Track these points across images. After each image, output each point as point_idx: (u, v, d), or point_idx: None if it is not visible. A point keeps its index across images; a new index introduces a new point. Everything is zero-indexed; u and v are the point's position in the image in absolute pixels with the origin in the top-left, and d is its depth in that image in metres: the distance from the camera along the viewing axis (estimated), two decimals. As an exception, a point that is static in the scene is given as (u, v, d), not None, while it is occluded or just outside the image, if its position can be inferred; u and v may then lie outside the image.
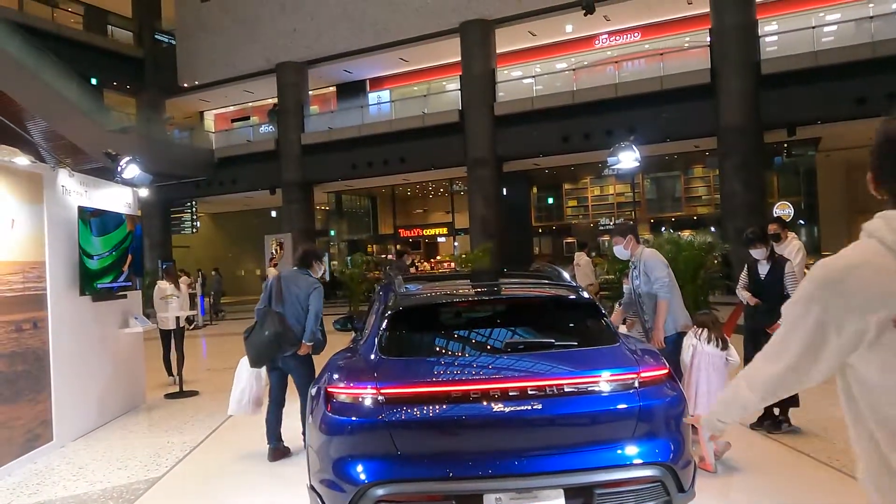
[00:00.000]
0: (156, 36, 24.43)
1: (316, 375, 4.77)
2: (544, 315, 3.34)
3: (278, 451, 4.74)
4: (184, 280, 9.46)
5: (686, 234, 10.87)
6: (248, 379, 4.90)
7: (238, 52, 21.01)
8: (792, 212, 16.30)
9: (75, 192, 5.56)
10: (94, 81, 21.13)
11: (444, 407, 2.58)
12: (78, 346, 5.52)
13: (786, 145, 17.24)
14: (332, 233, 24.05)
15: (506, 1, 17.25)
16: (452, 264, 19.54)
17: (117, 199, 6.37)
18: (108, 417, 6.01)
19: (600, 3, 16.08)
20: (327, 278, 5.26)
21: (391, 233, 23.38)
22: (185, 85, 22.35)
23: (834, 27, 15.95)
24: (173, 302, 7.69)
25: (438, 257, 22.85)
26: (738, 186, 14.82)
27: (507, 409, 2.54)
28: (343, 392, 2.73)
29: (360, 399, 2.66)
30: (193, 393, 7.14)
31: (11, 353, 4.70)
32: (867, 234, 1.20)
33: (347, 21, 19.36)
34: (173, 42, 23.67)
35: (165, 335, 7.68)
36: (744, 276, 5.16)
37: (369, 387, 2.66)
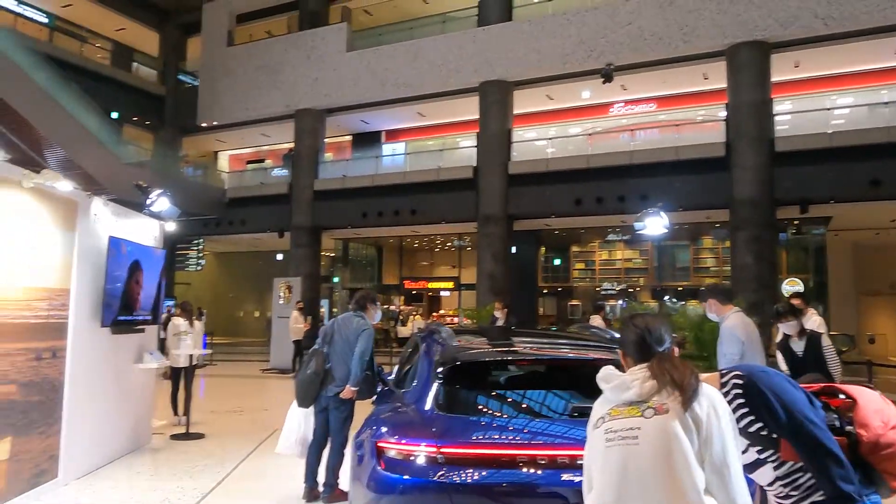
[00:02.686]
0: (179, 76, 24.91)
1: (352, 422, 4.77)
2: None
3: (314, 491, 4.75)
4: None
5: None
6: (297, 419, 4.91)
7: (259, 96, 21.37)
8: (802, 288, 16.29)
9: (107, 221, 5.50)
10: (114, 115, 21.39)
11: (511, 471, 2.42)
12: (93, 379, 5.36)
13: (796, 222, 17.34)
14: (336, 279, 23.94)
15: (526, 65, 17.62)
16: (466, 319, 19.39)
17: (145, 231, 6.30)
18: (113, 456, 5.79)
19: (618, 73, 16.55)
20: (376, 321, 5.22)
21: (396, 283, 23.28)
22: (204, 124, 22.63)
23: (853, 109, 16.29)
24: (187, 339, 7.53)
25: (442, 311, 22.69)
26: (750, 260, 14.82)
27: (577, 480, 2.40)
28: (397, 447, 2.56)
29: (417, 457, 2.49)
30: (199, 435, 6.92)
31: (28, 382, 4.54)
32: None
33: (369, 74, 19.75)
34: (195, 83, 24.11)
35: (176, 373, 7.49)
36: (780, 359, 5.04)
37: (428, 444, 2.49)
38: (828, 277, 17.43)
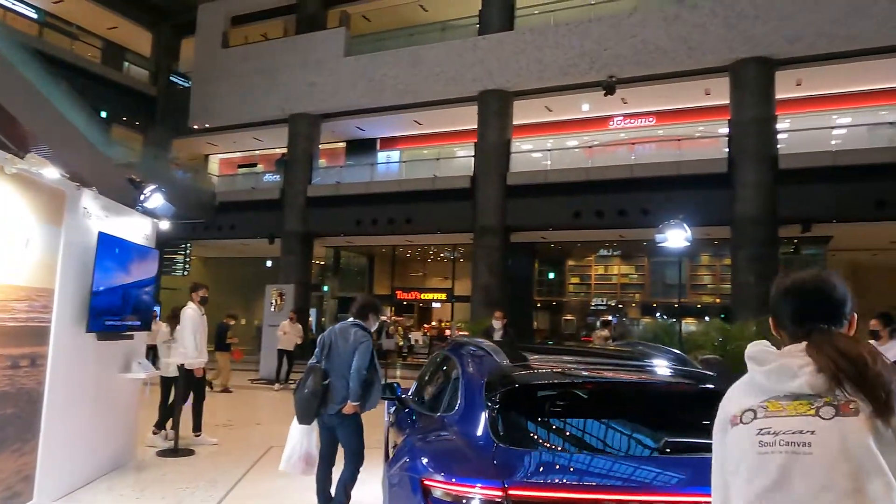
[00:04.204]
0: (171, 77, 24.44)
1: (359, 434, 4.47)
2: (692, 408, 2.65)
3: None
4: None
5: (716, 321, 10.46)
6: (298, 435, 4.62)
7: (254, 99, 20.95)
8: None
9: (96, 216, 5.06)
10: (103, 114, 20.87)
11: None
12: (76, 390, 4.90)
13: (796, 241, 17.16)
14: (326, 289, 23.45)
15: (527, 75, 17.37)
16: (461, 332, 18.97)
17: (136, 229, 5.86)
18: (94, 475, 5.30)
19: (619, 86, 16.35)
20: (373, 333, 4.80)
21: (388, 294, 22.82)
22: (196, 127, 22.15)
23: (854, 129, 16.18)
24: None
25: (433, 323, 22.27)
26: (752, 278, 14.58)
27: None
28: (451, 489, 2.09)
29: (476, 500, 2.05)
30: (189, 452, 6.44)
31: (2, 394, 4.09)
32: None
33: (367, 80, 19.41)
34: (188, 84, 23.66)
35: (166, 383, 7.01)
36: None
37: (489, 485, 2.03)
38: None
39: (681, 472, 2.16)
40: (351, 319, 4.67)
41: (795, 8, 14.65)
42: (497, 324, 11.06)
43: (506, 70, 17.57)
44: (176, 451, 6.35)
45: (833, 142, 15.93)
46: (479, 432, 2.28)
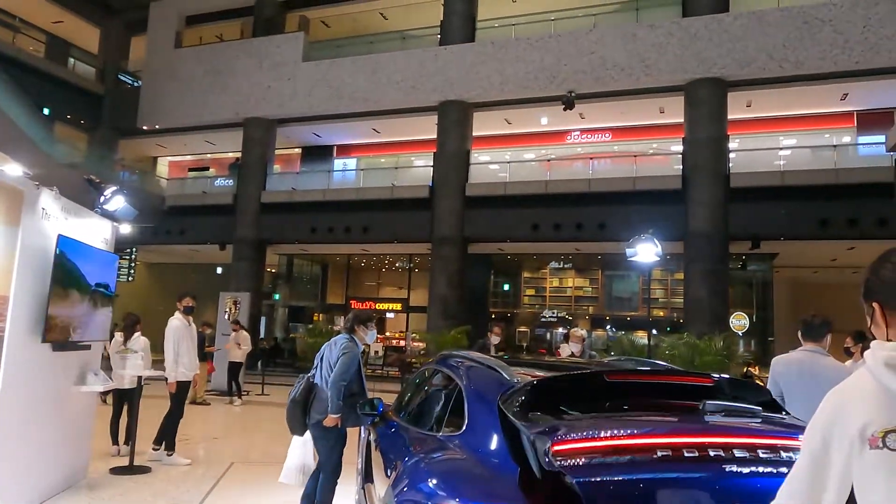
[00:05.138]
0: (119, 75, 23.59)
1: (337, 450, 4.38)
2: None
3: None
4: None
5: (681, 335, 10.63)
6: (297, 446, 4.67)
7: (207, 101, 20.39)
8: (747, 322, 16.55)
9: (55, 217, 4.75)
10: (46, 111, 19.95)
11: None
12: (27, 404, 4.55)
13: (744, 257, 17.70)
14: (277, 297, 22.94)
15: (487, 87, 17.45)
16: (416, 343, 18.81)
17: (96, 232, 5.54)
18: (43, 496, 4.93)
19: (578, 101, 16.59)
20: (363, 346, 4.58)
21: (341, 303, 22.48)
22: (145, 127, 21.41)
23: (800, 150, 16.86)
24: (134, 358, 6.69)
25: (388, 333, 22.03)
26: (704, 293, 14.96)
27: None
28: None
29: None
30: (145, 469, 6.08)
31: (-50, 407, 3.76)
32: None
33: (325, 86, 19.15)
34: (137, 84, 22.88)
35: (119, 396, 6.63)
36: None
37: None
38: (773, 313, 17.82)
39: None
40: (343, 334, 4.68)
41: (747, 33, 15.19)
42: (496, 339, 11.03)
43: (466, 81, 17.62)
44: (132, 469, 5.99)
45: (780, 162, 16.56)
46: (499, 458, 2.15)
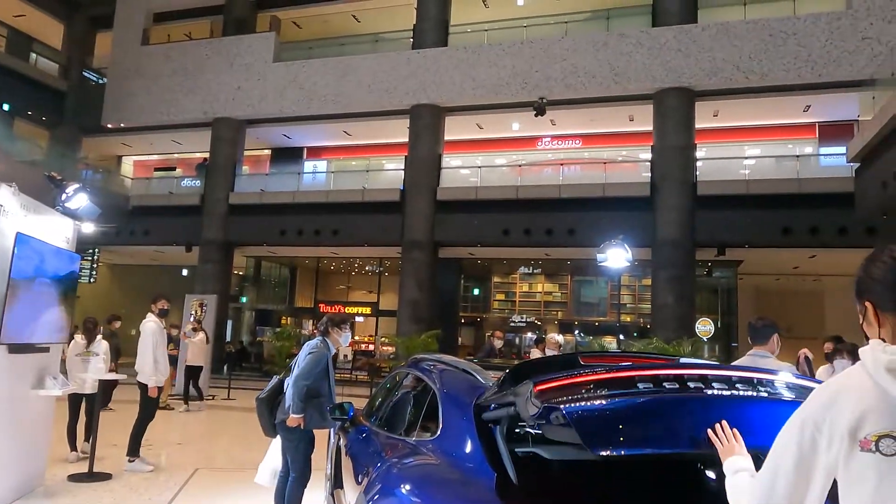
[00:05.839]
0: (84, 72, 23.04)
1: (303, 451, 4.33)
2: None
3: None
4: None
5: (646, 341, 10.74)
6: (273, 447, 4.69)
7: (174, 100, 20.04)
8: (713, 328, 16.83)
9: (14, 214, 4.59)
10: (6, 107, 19.39)
11: None
12: (-19, 408, 4.39)
13: (709, 264, 18.00)
14: (244, 300, 22.61)
15: (460, 91, 17.48)
16: (385, 347, 18.70)
17: (57, 230, 5.37)
18: (-2, 502, 4.76)
19: (549, 107, 16.69)
20: (338, 348, 4.52)
21: (310, 307, 22.26)
22: (109, 126, 20.93)
23: (764, 160, 17.24)
24: (96, 361, 6.50)
25: (357, 337, 21.86)
26: (671, 299, 15.16)
27: None
28: None
29: None
30: (106, 476, 5.89)
31: None
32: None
33: (296, 87, 18.97)
34: (102, 81, 22.38)
35: (76, 400, 6.42)
36: None
37: None
38: (738, 319, 18.15)
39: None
40: (318, 337, 4.71)
41: (715, 44, 15.48)
42: (499, 342, 11.18)
43: (439, 85, 17.62)
44: (91, 475, 5.81)
45: (745, 171, 16.90)
46: (475, 459, 2.12)
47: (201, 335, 12.29)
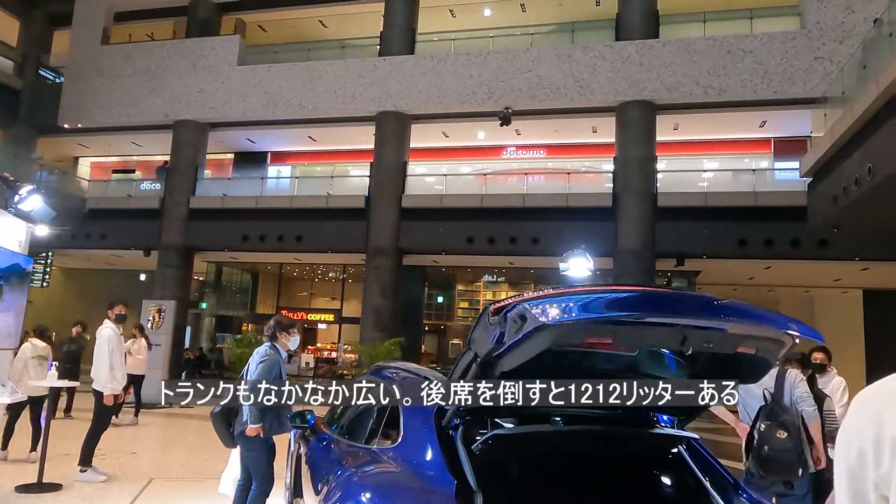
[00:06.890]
0: (40, 70, 22.42)
1: (264, 460, 4.27)
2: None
3: None
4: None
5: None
6: (234, 456, 4.61)
7: (135, 101, 19.63)
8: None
9: (-36, 219, 4.45)
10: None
11: None
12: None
13: (669, 274, 18.36)
14: (205, 305, 22.22)
15: (426, 100, 17.53)
16: (348, 354, 18.56)
17: (8, 233, 5.21)
18: (-60, 514, 4.58)
19: (514, 118, 16.88)
20: (286, 353, 4.41)
21: (272, 313, 21.93)
22: (66, 126, 20.39)
23: (722, 173, 17.69)
24: (50, 367, 6.30)
25: (319, 345, 21.68)
26: (631, 307, 15.38)
27: None
28: None
29: None
30: (56, 486, 5.71)
31: None
32: None
33: (261, 91, 18.79)
34: (59, 80, 21.82)
35: (20, 405, 6.21)
36: None
37: None
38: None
39: None
40: (266, 342, 4.64)
41: (675, 59, 15.86)
42: None
43: (405, 93, 17.65)
44: (41, 486, 5.62)
45: (704, 184, 17.32)
46: (436, 466, 2.13)
47: (142, 341, 11.47)
